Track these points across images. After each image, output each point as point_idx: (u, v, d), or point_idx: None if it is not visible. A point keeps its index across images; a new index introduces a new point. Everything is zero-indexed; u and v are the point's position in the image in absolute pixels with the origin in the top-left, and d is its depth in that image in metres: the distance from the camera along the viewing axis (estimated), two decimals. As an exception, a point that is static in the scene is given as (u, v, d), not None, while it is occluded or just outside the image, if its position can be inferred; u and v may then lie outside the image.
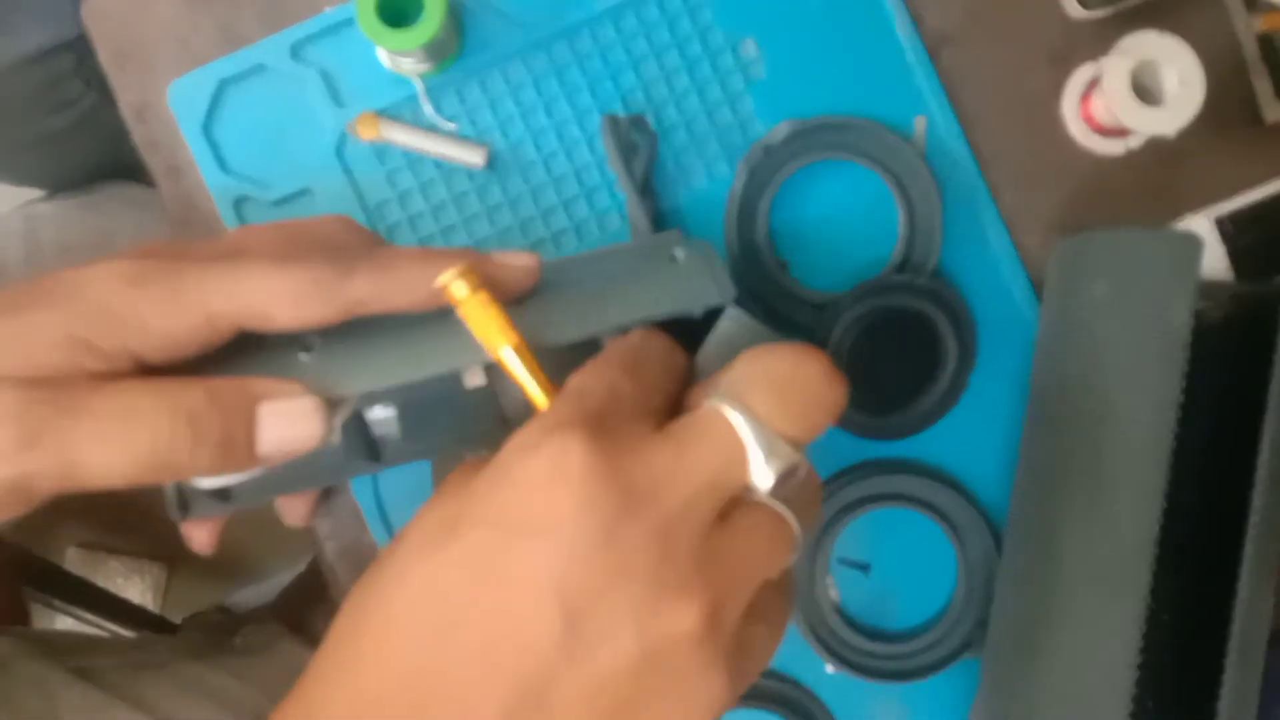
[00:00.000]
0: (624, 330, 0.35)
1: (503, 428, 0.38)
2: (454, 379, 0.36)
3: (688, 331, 0.37)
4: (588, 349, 0.33)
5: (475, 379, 0.36)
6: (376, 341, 0.32)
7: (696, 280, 0.36)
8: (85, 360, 0.28)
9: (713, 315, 0.35)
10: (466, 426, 0.38)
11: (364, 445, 0.38)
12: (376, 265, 0.30)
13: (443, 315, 0.32)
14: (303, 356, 0.32)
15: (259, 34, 0.44)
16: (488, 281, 0.30)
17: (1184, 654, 0.39)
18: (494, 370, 0.35)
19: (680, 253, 0.36)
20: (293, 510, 0.42)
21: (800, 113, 0.43)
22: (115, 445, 0.28)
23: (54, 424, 0.27)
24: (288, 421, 0.30)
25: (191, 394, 0.29)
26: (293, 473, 0.37)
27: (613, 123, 0.41)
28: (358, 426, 0.38)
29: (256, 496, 0.38)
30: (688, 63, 0.44)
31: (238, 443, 0.29)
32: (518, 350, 0.30)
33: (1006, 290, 0.44)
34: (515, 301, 0.33)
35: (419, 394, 0.37)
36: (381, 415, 0.38)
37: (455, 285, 0.30)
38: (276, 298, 0.29)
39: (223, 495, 0.37)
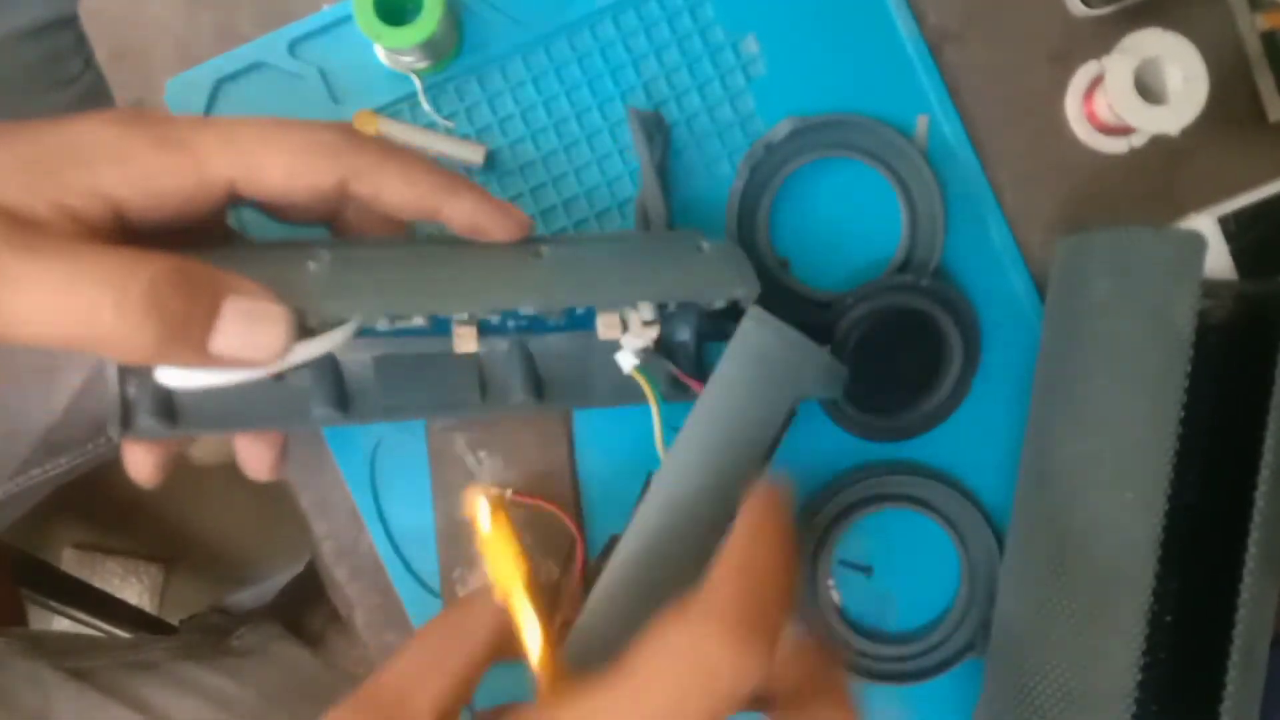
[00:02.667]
0: (654, 303, 0.34)
1: (482, 400, 0.38)
2: (444, 341, 0.36)
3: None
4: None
5: (466, 345, 0.36)
6: (383, 277, 0.32)
7: (723, 271, 0.36)
8: (47, 190, 0.26)
9: (730, 312, 0.35)
10: (443, 393, 0.37)
11: (334, 391, 0.36)
12: (385, 147, 0.29)
13: (449, 259, 0.31)
14: (311, 265, 0.30)
15: (256, 31, 0.44)
16: (485, 218, 0.30)
17: (1187, 655, 0.39)
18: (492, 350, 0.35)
19: (705, 245, 0.36)
20: (256, 459, 0.39)
21: (801, 110, 0.43)
22: (55, 294, 0.25)
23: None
24: (252, 325, 0.28)
25: (158, 262, 0.26)
26: (250, 405, 0.35)
27: (638, 114, 0.41)
28: (331, 370, 0.36)
29: (207, 425, 0.35)
30: (688, 60, 0.44)
31: (192, 330, 0.27)
32: (526, 585, 0.30)
33: (1009, 289, 0.44)
34: (543, 265, 0.32)
35: (402, 348, 0.36)
36: (358, 362, 0.37)
37: (480, 506, 0.31)
38: (274, 150, 0.27)
39: (168, 414, 0.35)
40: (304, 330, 0.31)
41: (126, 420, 0.34)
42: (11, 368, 0.60)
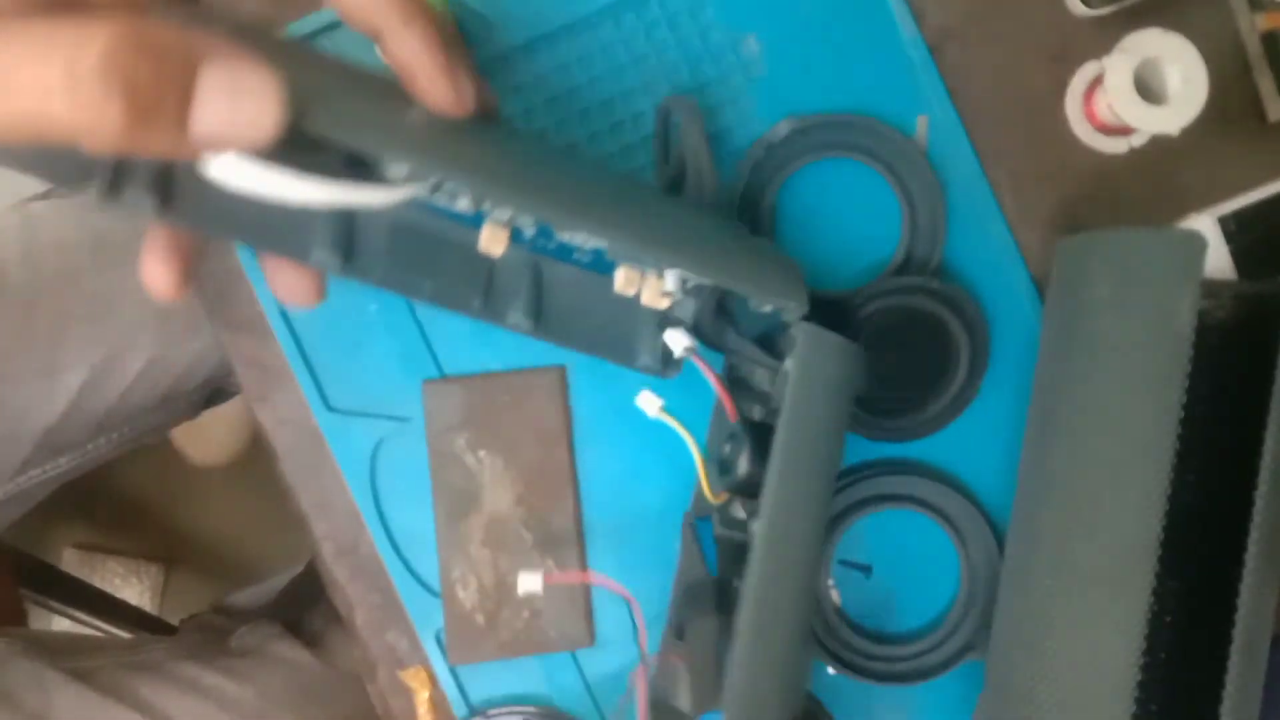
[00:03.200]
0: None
1: (482, 305, 0.36)
2: (469, 234, 0.34)
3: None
4: None
5: (494, 247, 0.33)
6: (473, 150, 0.30)
7: (782, 277, 0.35)
8: None
9: (763, 319, 0.35)
10: (446, 284, 0.35)
11: (342, 239, 0.33)
12: None
13: (533, 156, 0.30)
14: (414, 114, 0.28)
15: (257, 31, 0.44)
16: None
17: (1187, 655, 0.39)
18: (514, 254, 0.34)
19: (764, 244, 0.36)
20: (286, 285, 0.34)
21: (801, 110, 0.43)
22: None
23: None
24: (237, 97, 0.23)
25: (114, 26, 0.21)
26: (255, 219, 0.32)
27: (678, 100, 0.40)
28: (346, 217, 0.34)
29: (199, 221, 0.31)
30: (688, 60, 0.44)
31: (165, 105, 0.22)
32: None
33: (1009, 289, 0.44)
34: (622, 198, 0.32)
35: (425, 224, 0.34)
36: (376, 220, 0.34)
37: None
38: None
39: (163, 194, 0.31)
40: (373, 175, 0.29)
41: (115, 186, 0.30)
42: (12, 368, 0.61)
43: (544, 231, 0.36)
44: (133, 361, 0.65)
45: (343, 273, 0.33)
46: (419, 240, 0.34)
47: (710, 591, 0.38)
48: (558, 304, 0.37)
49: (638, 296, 0.36)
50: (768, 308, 0.35)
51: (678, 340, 0.37)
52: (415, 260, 0.34)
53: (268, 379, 0.46)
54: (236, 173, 0.25)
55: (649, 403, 0.38)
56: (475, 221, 0.34)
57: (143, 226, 0.30)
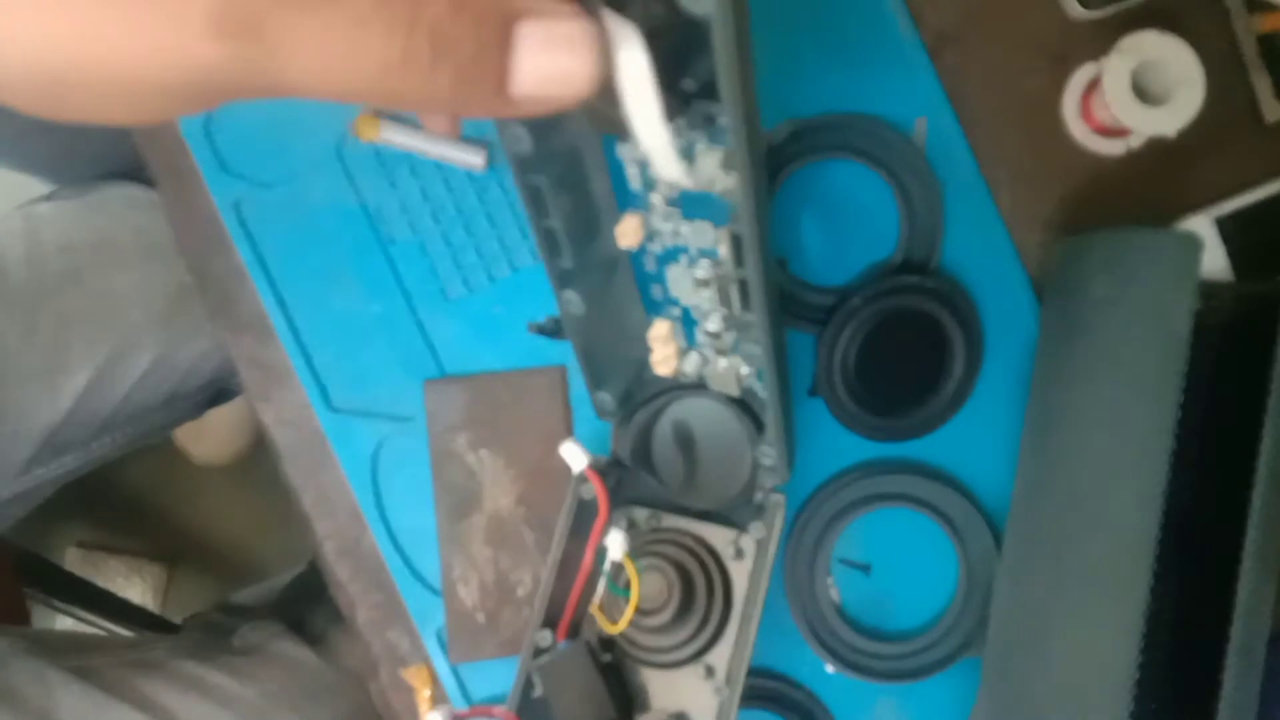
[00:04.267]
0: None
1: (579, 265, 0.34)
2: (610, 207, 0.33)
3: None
4: None
5: (629, 238, 0.32)
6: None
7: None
8: None
9: None
10: (575, 219, 0.33)
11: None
12: None
13: None
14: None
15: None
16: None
17: (1184, 654, 0.39)
18: None
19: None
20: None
21: (800, 112, 0.43)
22: (338, 51, 0.22)
23: (269, 9, 0.21)
24: (552, 52, 0.23)
25: (432, 10, 0.22)
26: None
27: None
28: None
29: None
30: (688, 62, 0.44)
31: (487, 71, 0.23)
32: None
33: (1007, 290, 0.44)
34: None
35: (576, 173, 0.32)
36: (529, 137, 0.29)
37: None
38: None
39: None
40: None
41: None
42: (16, 368, 0.61)
43: (671, 254, 0.34)
44: (136, 362, 0.65)
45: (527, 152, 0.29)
46: (579, 175, 0.32)
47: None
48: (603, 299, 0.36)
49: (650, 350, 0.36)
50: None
51: (576, 457, 0.39)
52: (568, 189, 0.32)
53: (270, 379, 0.46)
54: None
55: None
56: (623, 202, 0.33)
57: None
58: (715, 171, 0.27)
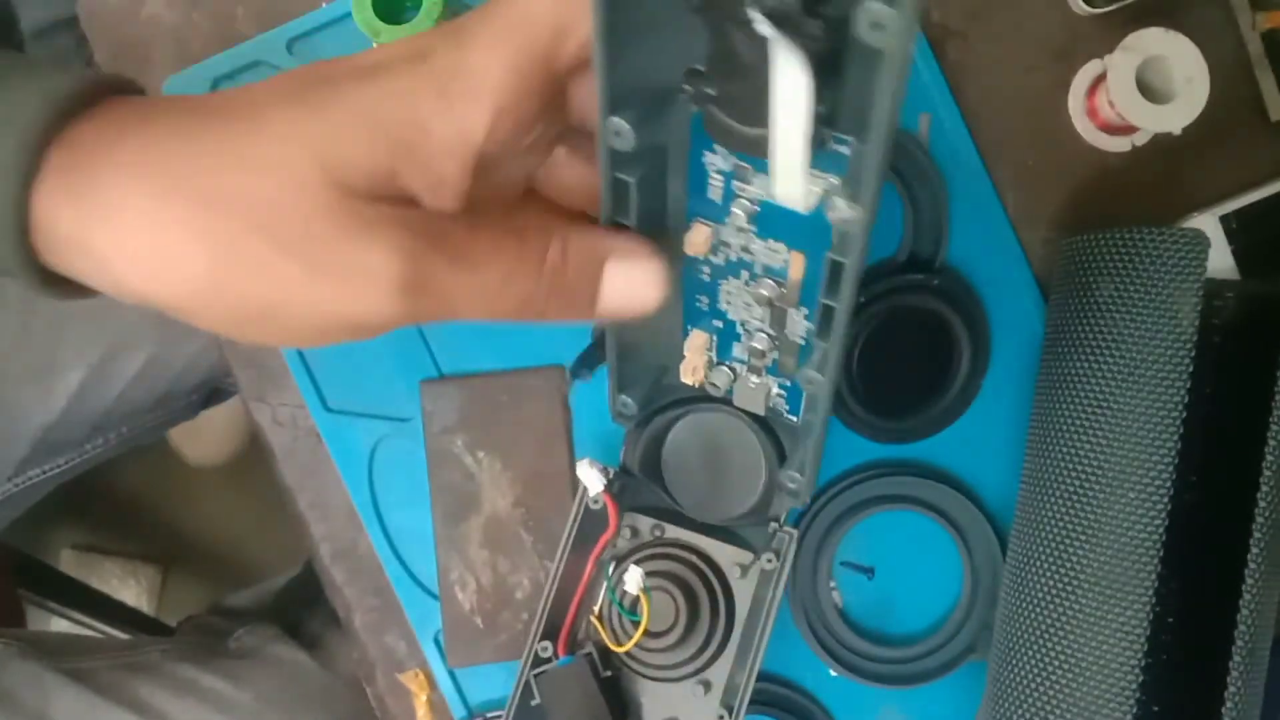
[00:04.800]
0: None
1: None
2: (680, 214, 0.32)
3: None
4: None
5: (699, 247, 0.32)
6: None
7: None
8: (406, 174, 0.26)
9: None
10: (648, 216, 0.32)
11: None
12: None
13: None
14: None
15: (255, 30, 0.44)
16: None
17: (1189, 656, 0.39)
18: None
19: None
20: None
21: (802, 110, 0.43)
22: (490, 297, 0.27)
23: (441, 274, 0.27)
24: (631, 283, 0.29)
25: (552, 249, 0.28)
26: None
27: None
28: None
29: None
30: (688, 59, 0.44)
31: (581, 299, 0.29)
32: None
33: (1012, 288, 0.44)
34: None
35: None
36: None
37: None
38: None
39: None
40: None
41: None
42: (10, 368, 0.60)
43: (733, 268, 0.33)
44: (131, 361, 0.64)
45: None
46: (660, 176, 0.32)
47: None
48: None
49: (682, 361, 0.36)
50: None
51: (593, 480, 0.39)
52: (648, 188, 0.31)
53: (265, 379, 0.46)
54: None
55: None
56: (693, 209, 0.32)
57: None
58: (838, 201, 0.27)
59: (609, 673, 0.40)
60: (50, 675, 0.59)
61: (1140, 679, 0.36)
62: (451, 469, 0.45)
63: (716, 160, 0.31)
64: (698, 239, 0.32)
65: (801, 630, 0.44)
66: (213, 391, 0.73)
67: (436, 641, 0.45)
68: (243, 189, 0.25)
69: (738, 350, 0.36)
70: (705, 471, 0.39)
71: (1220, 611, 0.37)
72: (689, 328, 0.36)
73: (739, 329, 0.35)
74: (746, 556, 0.40)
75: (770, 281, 0.33)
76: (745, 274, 0.33)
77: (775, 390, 0.36)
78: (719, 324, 0.35)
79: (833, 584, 0.45)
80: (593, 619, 0.40)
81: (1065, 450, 0.39)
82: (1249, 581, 0.36)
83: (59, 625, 0.99)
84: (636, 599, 0.38)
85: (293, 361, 0.45)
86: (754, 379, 0.36)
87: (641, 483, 0.40)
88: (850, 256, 0.29)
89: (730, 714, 0.39)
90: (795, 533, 0.39)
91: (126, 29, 0.44)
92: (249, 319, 0.27)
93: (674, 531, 0.41)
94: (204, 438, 1.14)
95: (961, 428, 0.44)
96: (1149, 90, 0.40)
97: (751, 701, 0.44)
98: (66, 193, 0.26)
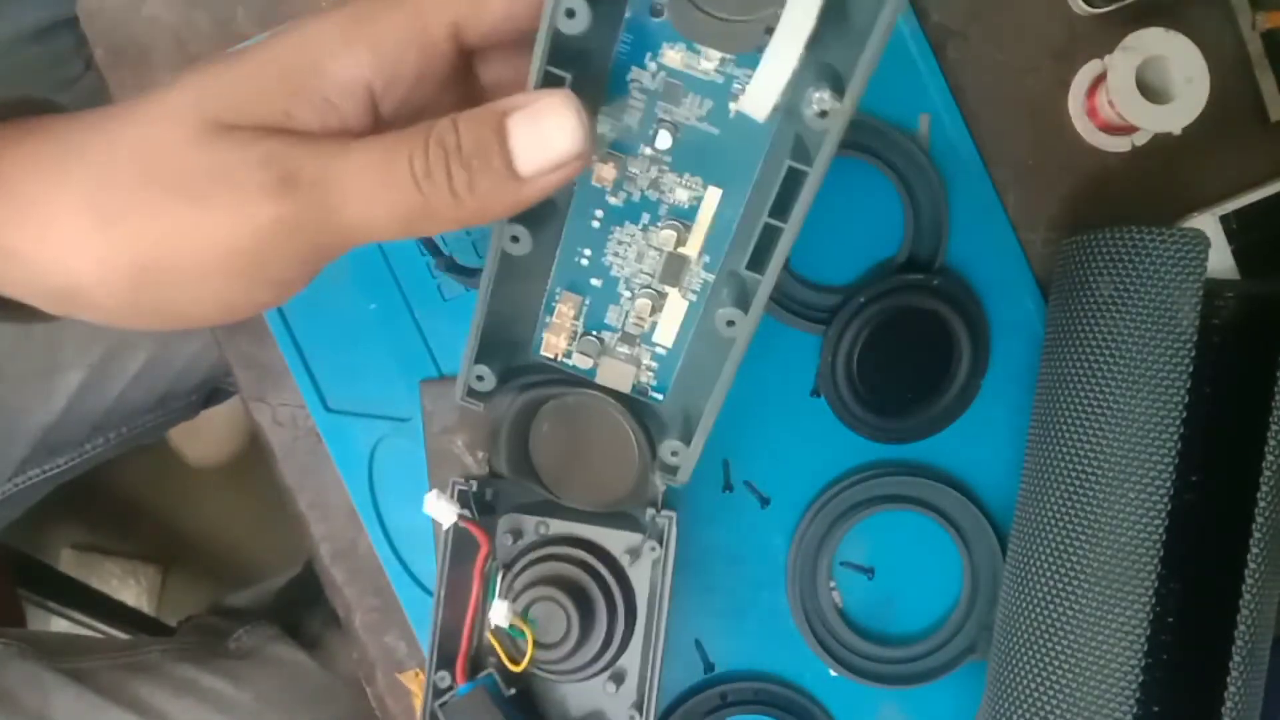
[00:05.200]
0: None
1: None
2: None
3: None
4: None
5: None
6: None
7: None
8: (310, 96, 0.26)
9: None
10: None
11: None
12: None
13: None
14: None
15: (255, 30, 0.44)
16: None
17: (1188, 656, 0.39)
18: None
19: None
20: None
21: (802, 110, 0.43)
22: (378, 193, 0.26)
23: (313, 168, 0.26)
24: (540, 134, 0.26)
25: (438, 125, 0.26)
26: None
27: None
28: None
29: None
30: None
31: (492, 160, 0.26)
32: None
33: (1012, 288, 0.44)
34: None
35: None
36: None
37: None
38: None
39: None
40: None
41: None
42: (10, 368, 0.60)
43: (632, 210, 0.32)
44: (130, 361, 0.64)
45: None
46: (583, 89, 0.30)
47: None
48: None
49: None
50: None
51: (443, 512, 0.36)
52: None
53: (265, 379, 0.46)
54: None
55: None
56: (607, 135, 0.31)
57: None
58: (819, 95, 0.27)
59: (513, 690, 0.38)
60: (50, 675, 0.59)
61: (1140, 679, 0.36)
62: (452, 469, 0.45)
63: (644, 78, 0.29)
64: (604, 169, 0.30)
65: (801, 630, 0.44)
66: (213, 391, 0.73)
67: (436, 641, 0.45)
68: (129, 149, 0.27)
69: (612, 315, 0.34)
70: (577, 460, 0.37)
71: (1220, 611, 0.37)
72: (558, 292, 0.34)
73: (620, 288, 0.33)
74: (637, 539, 0.38)
75: (674, 225, 0.31)
76: (646, 217, 0.31)
77: (647, 362, 0.34)
78: (598, 283, 0.33)
79: (832, 584, 0.45)
80: (489, 636, 0.38)
81: (1065, 450, 0.39)
82: (1249, 581, 0.36)
83: (59, 625, 0.99)
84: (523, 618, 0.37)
85: (293, 361, 0.45)
86: (624, 349, 0.34)
87: (515, 483, 0.38)
88: (816, 164, 0.27)
89: (640, 712, 0.37)
90: (674, 515, 0.36)
91: (126, 29, 0.44)
92: (144, 280, 0.27)
93: (559, 526, 0.39)
94: (204, 438, 1.14)
95: (961, 428, 0.44)
96: (1149, 90, 0.40)
97: (751, 702, 0.44)
98: None
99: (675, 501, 0.37)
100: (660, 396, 0.35)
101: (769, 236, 0.29)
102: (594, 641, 0.38)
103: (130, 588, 1.15)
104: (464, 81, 0.30)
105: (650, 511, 0.37)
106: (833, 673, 0.44)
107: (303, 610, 0.79)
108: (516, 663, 0.37)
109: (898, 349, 0.43)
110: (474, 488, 0.38)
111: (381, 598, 0.46)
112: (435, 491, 0.36)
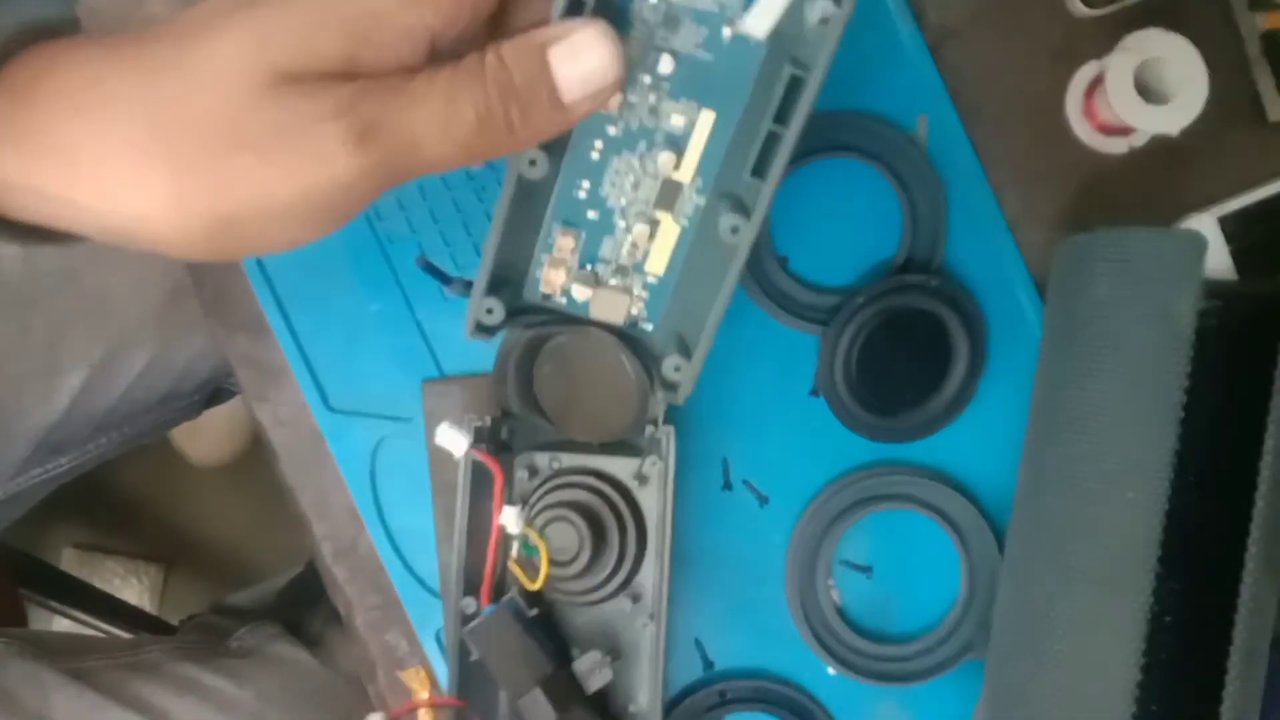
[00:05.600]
0: None
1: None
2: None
3: None
4: None
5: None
6: None
7: None
8: (363, 56, 0.27)
9: None
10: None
11: None
12: None
13: None
14: None
15: (256, 31, 0.44)
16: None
17: (1187, 656, 0.39)
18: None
19: None
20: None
21: (801, 110, 0.43)
22: (446, 132, 0.28)
23: (387, 117, 0.27)
24: (579, 63, 0.29)
25: (489, 65, 0.28)
26: None
27: None
28: None
29: None
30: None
31: (540, 98, 0.29)
32: None
33: (1010, 289, 0.44)
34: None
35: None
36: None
37: None
38: None
39: None
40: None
41: None
42: (12, 367, 0.60)
43: (629, 140, 0.34)
44: (132, 361, 0.64)
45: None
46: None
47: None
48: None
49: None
50: None
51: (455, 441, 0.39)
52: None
53: (267, 379, 0.46)
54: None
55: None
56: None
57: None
58: (827, 5, 0.29)
59: (535, 611, 0.41)
60: (51, 674, 0.59)
61: (1139, 678, 0.36)
62: (453, 468, 0.45)
63: (645, 9, 0.31)
64: (611, 99, 0.32)
65: (800, 628, 0.44)
66: (215, 391, 0.73)
67: (438, 639, 0.45)
68: (189, 100, 0.27)
69: (606, 248, 0.35)
70: (579, 396, 0.39)
71: (1219, 611, 0.37)
72: (556, 227, 0.35)
73: (616, 218, 0.35)
74: (640, 462, 0.41)
75: (669, 152, 0.33)
76: (643, 145, 0.33)
77: (638, 292, 0.36)
78: (594, 215, 0.35)
79: (831, 582, 0.45)
80: (511, 564, 0.40)
81: (1063, 450, 0.39)
82: (1247, 581, 0.36)
83: (61, 624, 0.99)
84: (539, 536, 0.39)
85: (295, 361, 0.45)
86: (617, 280, 0.36)
87: (528, 420, 0.40)
88: (815, 69, 0.30)
89: (653, 620, 0.41)
90: (671, 429, 0.39)
91: (127, 29, 0.44)
92: (223, 228, 0.28)
93: (570, 459, 0.41)
94: (206, 437, 1.14)
95: (959, 427, 0.44)
96: (1147, 91, 0.40)
97: (750, 700, 0.44)
98: (3, 139, 0.27)
99: (674, 418, 0.40)
100: (650, 327, 0.37)
101: (771, 144, 0.31)
102: (607, 560, 0.40)
103: (132, 587, 1.16)
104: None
105: (650, 429, 0.39)
106: (831, 671, 0.45)
107: (304, 609, 0.79)
108: (534, 581, 0.39)
109: (896, 349, 0.43)
110: (488, 423, 0.40)
111: (383, 596, 0.46)
112: (447, 423, 0.39)
